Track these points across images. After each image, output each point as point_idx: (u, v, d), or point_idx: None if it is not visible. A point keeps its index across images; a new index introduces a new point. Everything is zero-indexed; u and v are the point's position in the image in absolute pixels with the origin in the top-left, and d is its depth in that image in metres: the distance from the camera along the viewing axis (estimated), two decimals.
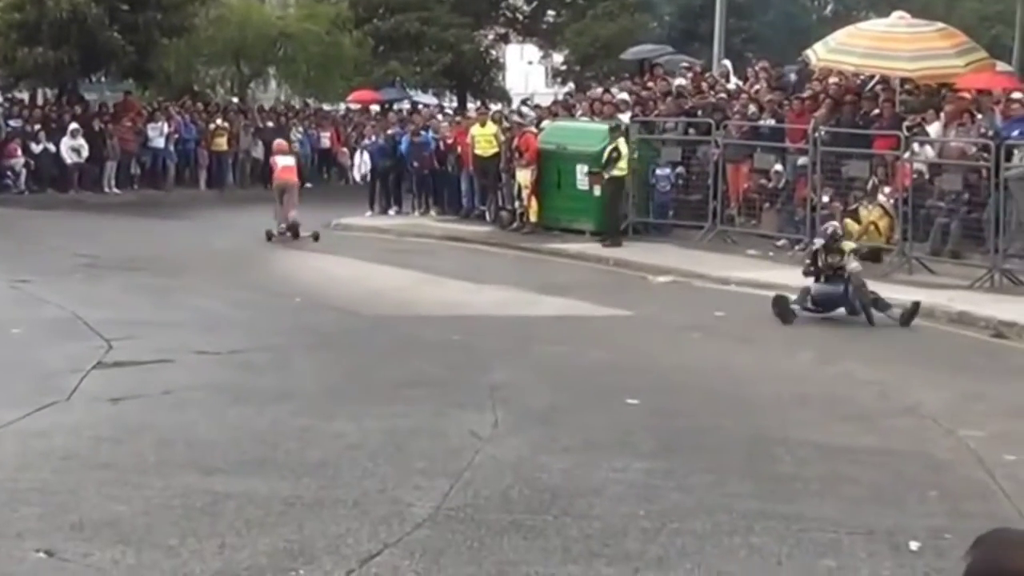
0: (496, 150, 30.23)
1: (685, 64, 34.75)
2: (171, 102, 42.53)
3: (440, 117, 36.85)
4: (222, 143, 40.43)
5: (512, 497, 10.09)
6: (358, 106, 48.73)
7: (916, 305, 18.88)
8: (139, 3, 40.13)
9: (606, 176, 26.87)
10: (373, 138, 35.52)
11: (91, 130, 37.36)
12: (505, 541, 9.10)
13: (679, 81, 32.03)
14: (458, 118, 35.65)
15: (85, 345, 15.69)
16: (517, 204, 29.54)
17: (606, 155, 26.87)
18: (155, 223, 31.83)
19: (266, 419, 12.33)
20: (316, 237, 28.35)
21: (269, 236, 28.31)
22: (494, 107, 41.00)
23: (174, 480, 10.29)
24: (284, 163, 29.68)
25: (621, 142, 26.95)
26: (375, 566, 8.59)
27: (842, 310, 19.08)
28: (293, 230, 28.36)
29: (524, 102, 38.43)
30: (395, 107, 47.76)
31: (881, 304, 18.84)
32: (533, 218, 28.88)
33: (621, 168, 26.90)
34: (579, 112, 31.46)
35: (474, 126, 31.36)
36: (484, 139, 30.44)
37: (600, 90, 33.14)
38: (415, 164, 32.97)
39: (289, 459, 10.99)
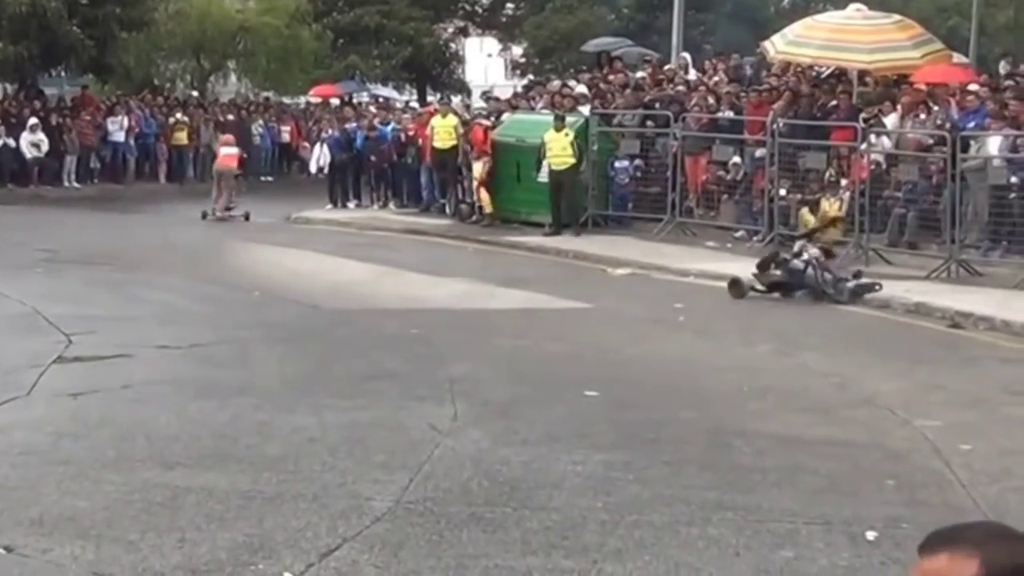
0: (455, 142, 30.28)
1: (648, 58, 34.88)
2: (131, 96, 42.40)
3: (401, 108, 36.91)
4: (182, 137, 40.34)
5: (471, 490, 10.12)
6: (319, 100, 48.75)
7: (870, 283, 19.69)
8: None
9: (560, 168, 26.96)
10: (331, 131, 35.52)
11: (50, 125, 37.19)
12: (464, 534, 9.12)
13: (640, 74, 32.16)
14: (420, 111, 35.66)
15: (45, 340, 15.63)
16: (475, 197, 29.67)
17: (575, 147, 26.93)
18: (115, 217, 31.74)
19: (226, 413, 12.33)
20: (247, 217, 30.99)
21: (204, 215, 31.16)
22: (455, 99, 41.17)
23: (134, 475, 10.28)
24: (226, 152, 33.25)
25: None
26: (334, 560, 8.61)
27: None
28: (225, 211, 31.26)
29: (484, 95, 38.51)
30: (354, 100, 47.75)
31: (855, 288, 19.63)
32: (488, 210, 28.96)
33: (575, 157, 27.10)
34: (539, 105, 31.57)
35: (435, 117, 31.41)
36: (444, 131, 30.47)
37: (558, 83, 33.23)
38: (372, 158, 33.03)
39: (249, 453, 11.00)
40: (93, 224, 29.88)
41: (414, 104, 44.78)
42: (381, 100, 45.70)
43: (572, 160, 27.11)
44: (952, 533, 3.10)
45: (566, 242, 26.16)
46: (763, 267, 20.31)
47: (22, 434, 11.52)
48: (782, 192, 24.95)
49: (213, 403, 12.72)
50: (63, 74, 44.51)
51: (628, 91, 29.95)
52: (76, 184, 37.78)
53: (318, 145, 35.34)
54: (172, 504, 9.59)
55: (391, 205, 33.11)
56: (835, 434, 12.22)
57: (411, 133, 32.70)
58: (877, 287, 19.84)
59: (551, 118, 29.06)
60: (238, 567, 8.45)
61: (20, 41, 38.37)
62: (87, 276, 21.67)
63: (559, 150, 27.13)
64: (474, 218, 29.28)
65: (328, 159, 34.29)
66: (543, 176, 27.93)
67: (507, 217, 28.87)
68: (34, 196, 35.40)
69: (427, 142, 31.33)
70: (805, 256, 20.16)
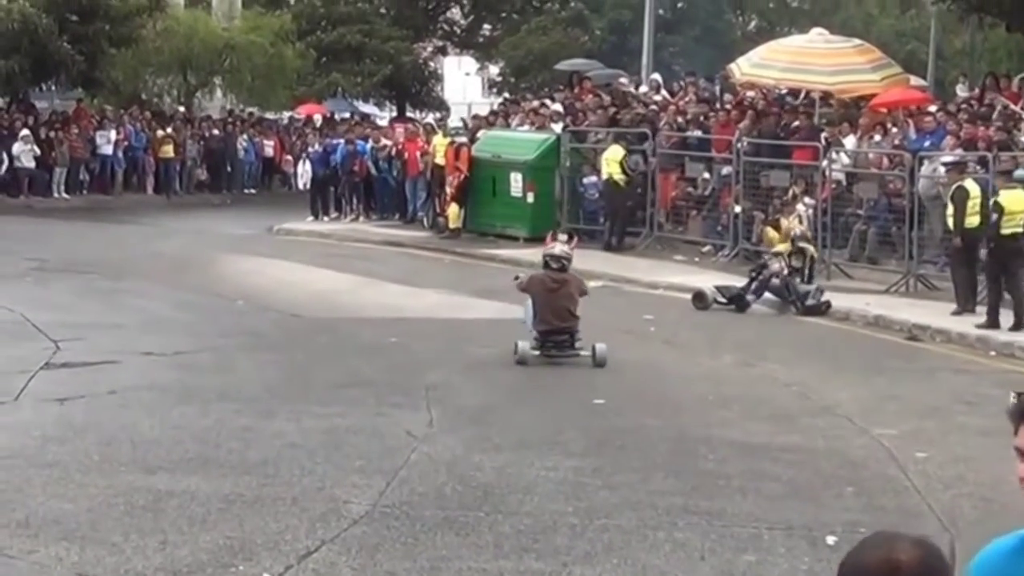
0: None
1: (623, 79, 35.16)
2: (122, 110, 42.53)
3: (400, 126, 37.28)
4: (168, 151, 40.52)
5: (446, 494, 10.38)
6: (302, 117, 48.94)
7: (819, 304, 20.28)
8: (88, 14, 40.30)
9: (619, 181, 27.14)
10: (316, 146, 35.78)
11: (40, 137, 37.33)
12: (439, 537, 9.37)
13: (631, 90, 32.46)
14: (409, 126, 35.91)
15: (33, 347, 15.86)
16: (444, 210, 30.08)
17: (622, 163, 27.05)
18: (103, 228, 31.69)
19: (209, 419, 12.56)
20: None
21: None
22: (429, 117, 41.68)
23: (118, 478, 10.51)
24: None
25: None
26: (313, 562, 8.85)
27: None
28: None
29: (462, 119, 39.00)
30: (336, 116, 47.95)
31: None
32: (452, 224, 29.28)
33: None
34: (515, 122, 31.88)
35: (436, 136, 31.74)
36: (443, 148, 30.69)
37: (537, 102, 33.48)
38: (353, 170, 33.34)
39: (230, 458, 11.24)
40: (81, 234, 29.90)
41: (383, 122, 45.02)
42: (361, 117, 46.03)
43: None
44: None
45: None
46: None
47: (9, 438, 11.75)
48: (738, 210, 25.27)
49: (196, 409, 12.96)
50: (53, 88, 44.66)
51: (600, 110, 30.18)
52: (65, 195, 37.89)
53: (302, 161, 35.51)
54: (155, 507, 9.81)
55: (363, 217, 33.41)
56: (796, 442, 12.51)
57: (399, 148, 33.04)
58: (824, 307, 20.25)
59: (525, 135, 29.44)
60: (219, 569, 8.67)
61: (11, 56, 38.59)
62: (75, 285, 21.80)
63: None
64: (445, 233, 29.53)
65: (311, 174, 34.50)
66: (516, 191, 28.36)
67: (483, 231, 29.15)
68: (24, 207, 35.39)
69: (414, 157, 31.95)
70: (773, 269, 20.71)
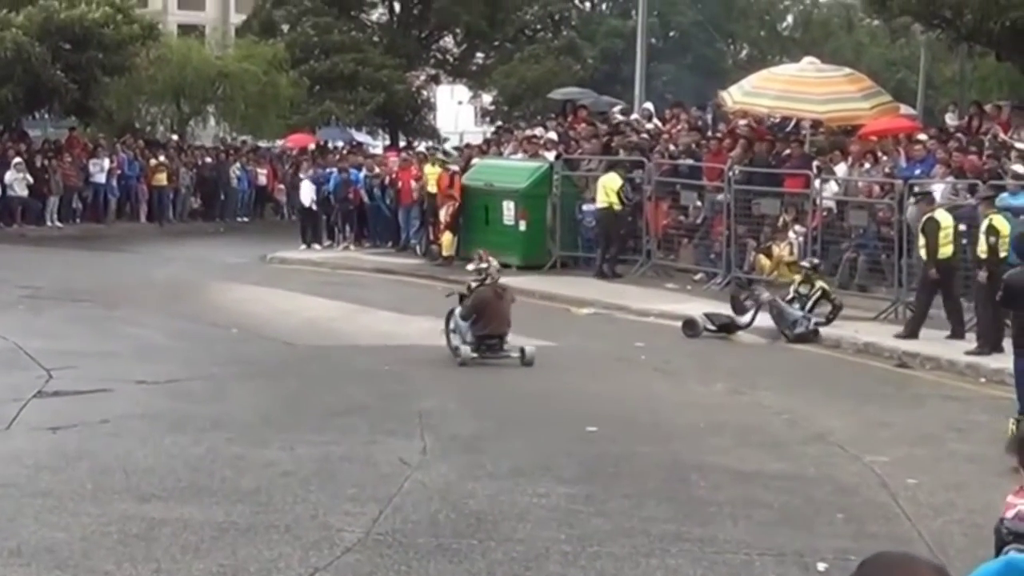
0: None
1: (618, 108, 35.27)
2: (115, 139, 42.67)
3: (392, 155, 37.42)
4: (162, 179, 40.69)
5: (439, 522, 10.44)
6: (294, 148, 49.07)
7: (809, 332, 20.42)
8: (81, 42, 40.46)
9: (611, 208, 27.21)
10: (312, 171, 35.86)
11: (34, 166, 37.45)
12: (432, 565, 9.43)
13: (619, 118, 32.58)
14: (403, 155, 36.06)
15: (26, 375, 15.90)
16: (437, 239, 30.21)
17: (619, 192, 27.12)
18: (96, 256, 31.79)
19: (202, 447, 12.61)
20: None
21: None
22: (422, 146, 41.91)
23: (111, 507, 10.57)
24: None
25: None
26: None
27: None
28: None
29: (456, 148, 39.14)
30: (329, 144, 48.12)
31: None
32: (445, 252, 29.38)
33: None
34: (507, 151, 31.99)
35: (427, 165, 31.87)
36: (434, 176, 30.79)
37: (529, 132, 33.59)
38: (348, 197, 33.45)
39: (223, 486, 11.30)
40: (74, 262, 29.96)
41: (377, 150, 45.30)
42: (355, 145, 46.23)
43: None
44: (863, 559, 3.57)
45: (533, 282, 26.19)
46: (739, 310, 20.91)
47: (1, 467, 11.79)
48: (724, 239, 25.42)
49: (189, 437, 13.01)
50: (46, 117, 44.84)
51: (594, 139, 30.29)
52: (59, 224, 37.99)
53: (303, 182, 35.50)
54: (148, 536, 9.86)
55: (353, 245, 33.52)
56: (787, 469, 12.58)
57: (393, 177, 33.17)
58: (811, 336, 20.35)
59: (517, 163, 29.51)
60: None
61: (5, 84, 38.79)
62: (68, 313, 21.85)
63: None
64: (439, 260, 29.63)
65: (313, 194, 34.35)
66: (509, 219, 28.49)
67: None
68: (17, 235, 35.45)
69: (408, 186, 31.99)
70: (763, 298, 20.88)
